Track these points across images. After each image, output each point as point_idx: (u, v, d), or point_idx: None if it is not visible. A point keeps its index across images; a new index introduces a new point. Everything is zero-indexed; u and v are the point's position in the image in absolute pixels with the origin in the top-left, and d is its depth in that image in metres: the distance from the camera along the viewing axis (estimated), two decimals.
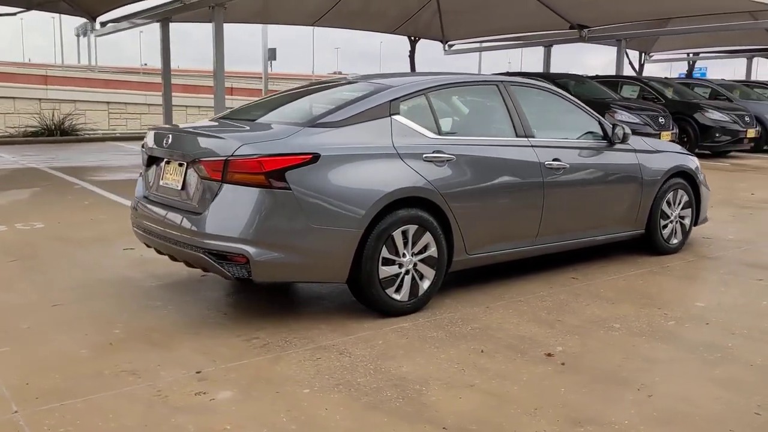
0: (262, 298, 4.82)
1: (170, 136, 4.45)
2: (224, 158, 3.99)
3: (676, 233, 6.14)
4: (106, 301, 4.71)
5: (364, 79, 5.17)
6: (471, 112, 5.18)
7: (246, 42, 74.96)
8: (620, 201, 5.65)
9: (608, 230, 5.63)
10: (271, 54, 37.64)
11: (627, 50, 28.58)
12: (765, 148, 16.69)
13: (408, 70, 24.55)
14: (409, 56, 24.88)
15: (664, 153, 6.06)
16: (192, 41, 78.19)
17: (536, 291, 4.97)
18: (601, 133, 5.62)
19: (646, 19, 19.22)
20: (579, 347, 3.93)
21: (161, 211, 4.43)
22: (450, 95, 4.92)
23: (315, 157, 4.03)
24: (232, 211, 3.96)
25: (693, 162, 6.28)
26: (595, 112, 5.74)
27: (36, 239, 6.57)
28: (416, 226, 4.36)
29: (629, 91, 16.37)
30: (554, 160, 5.10)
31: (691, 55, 32.05)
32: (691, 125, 15.02)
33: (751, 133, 15.57)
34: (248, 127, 4.57)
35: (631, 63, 29.98)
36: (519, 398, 3.26)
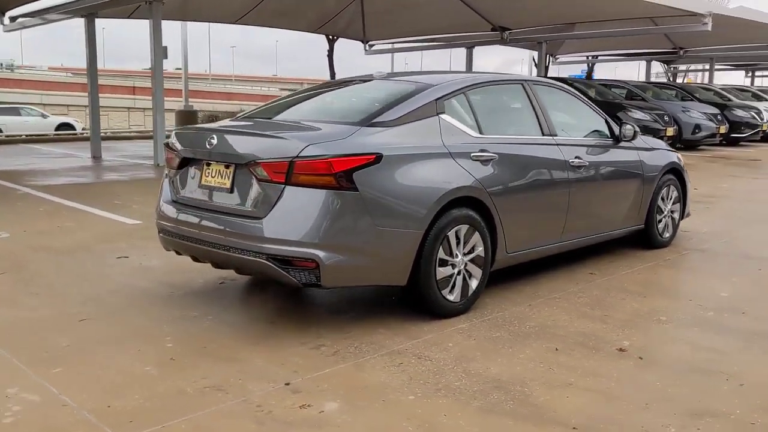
0: (295, 304, 4.65)
1: (215, 137, 4.21)
2: (289, 159, 3.82)
3: (668, 227, 6.40)
4: (132, 313, 4.42)
5: (393, 76, 5.11)
6: (503, 110, 5.19)
7: (133, 39, 72.02)
8: (628, 197, 5.82)
9: (619, 226, 5.80)
10: (164, 52, 36.53)
11: (530, 51, 29.64)
12: (678, 146, 17.65)
13: (327, 69, 24.49)
14: (328, 56, 24.74)
15: (657, 150, 6.30)
16: (71, 39, 74.16)
17: (565, 288, 5.04)
18: (607, 131, 5.77)
19: (563, 22, 19.91)
20: (643, 341, 4.01)
21: (202, 216, 4.19)
22: (485, 94, 4.91)
23: (378, 158, 3.93)
24: (299, 215, 3.80)
25: (680, 159, 6.56)
26: (601, 110, 5.89)
27: (12, 249, 6.07)
28: (467, 226, 4.33)
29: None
30: (576, 158, 5.20)
31: (590, 57, 33.45)
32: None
33: (670, 131, 16.45)
34: (302, 127, 4.39)
35: (536, 64, 31.12)
36: (623, 394, 3.30)
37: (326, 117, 4.63)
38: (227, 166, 4.14)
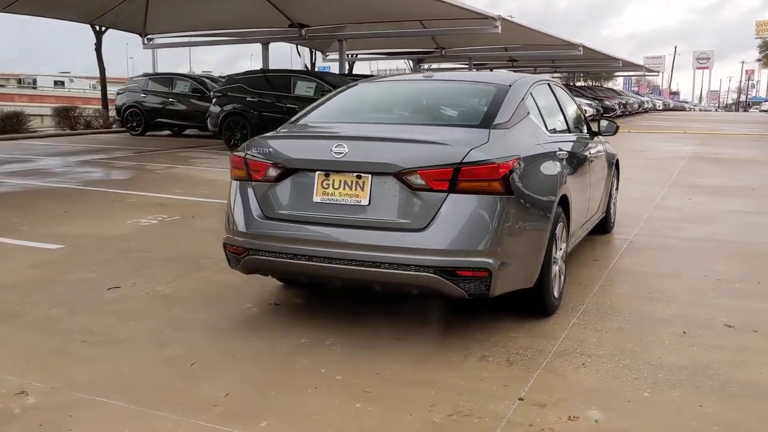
0: (385, 316, 4.38)
1: (344, 145, 3.82)
2: (454, 166, 3.63)
3: (614, 214, 7.05)
4: (253, 349, 3.87)
5: (432, 74, 5.07)
6: (550, 109, 5.33)
7: None
8: (605, 188, 6.33)
9: (599, 215, 6.27)
10: None
11: (300, 48, 29.98)
12: None
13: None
14: (96, 49, 22.80)
15: (608, 144, 6.91)
16: None
17: (594, 276, 5.37)
18: (585, 126, 6.21)
19: (359, 21, 20.47)
20: (744, 315, 4.43)
21: (328, 232, 3.81)
22: (537, 94, 5.01)
23: (519, 160, 3.90)
24: (467, 223, 3.63)
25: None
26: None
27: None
28: (562, 223, 4.46)
29: (305, 88, 15.26)
30: (588, 152, 5.55)
31: (350, 56, 34.62)
32: None
33: None
34: (429, 131, 4.12)
35: (303, 59, 31.54)
36: None
37: (433, 119, 4.45)
38: (359, 177, 3.79)
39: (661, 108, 53.27)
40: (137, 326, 4.20)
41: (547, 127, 4.74)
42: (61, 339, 3.99)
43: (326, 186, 3.86)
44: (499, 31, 17.94)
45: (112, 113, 22.96)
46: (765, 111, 63.86)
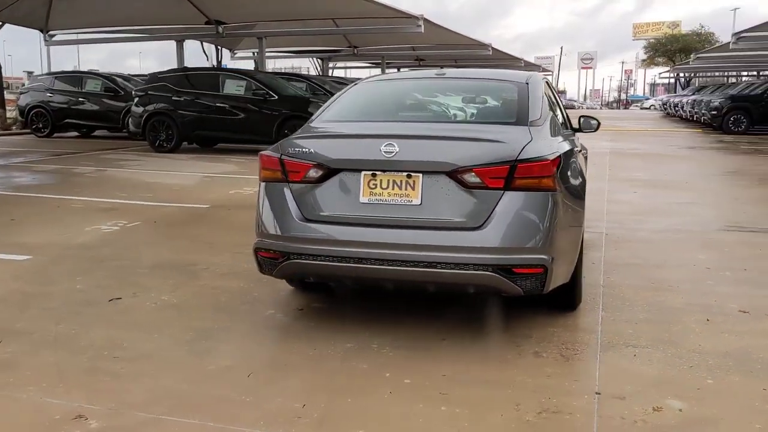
0: (417, 316, 4.34)
1: (395, 143, 3.73)
2: (510, 163, 3.63)
3: None
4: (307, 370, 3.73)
5: (444, 71, 5.05)
6: (553, 106, 5.38)
7: None
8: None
9: None
10: None
11: (208, 45, 29.28)
12: None
13: None
14: None
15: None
16: None
17: (591, 269, 5.51)
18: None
19: (278, 19, 20.14)
20: (751, 301, 4.65)
21: (377, 234, 3.72)
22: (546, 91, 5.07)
23: (561, 156, 3.94)
24: (524, 220, 3.64)
25: None
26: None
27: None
28: None
29: (234, 86, 14.62)
30: (581, 148, 5.69)
31: (257, 54, 33.98)
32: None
33: None
34: (476, 128, 4.09)
35: (207, 57, 30.76)
36: None
37: (470, 117, 4.43)
38: (410, 176, 3.73)
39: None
40: (164, 338, 3.96)
41: (561, 124, 4.83)
42: (87, 356, 3.71)
43: (373, 186, 3.77)
44: (422, 30, 18.11)
45: (11, 114, 21.62)
46: (646, 108, 67.33)
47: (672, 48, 54.81)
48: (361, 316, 4.33)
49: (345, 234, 3.77)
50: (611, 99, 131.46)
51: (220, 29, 19.67)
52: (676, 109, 30.40)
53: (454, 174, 3.65)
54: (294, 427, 2.94)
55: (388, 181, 3.75)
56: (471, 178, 3.63)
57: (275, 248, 3.92)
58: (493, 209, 3.62)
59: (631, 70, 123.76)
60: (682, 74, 46.56)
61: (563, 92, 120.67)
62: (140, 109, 14.97)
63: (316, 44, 29.58)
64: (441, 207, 3.68)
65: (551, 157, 3.73)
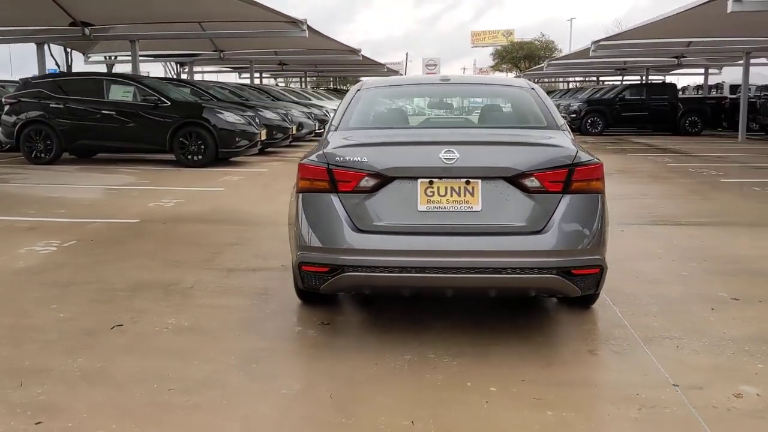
0: (440, 322, 4.33)
1: (454, 150, 3.69)
2: (568, 167, 3.71)
3: None
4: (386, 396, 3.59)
5: (449, 77, 5.05)
6: None
7: None
8: None
9: None
10: None
11: (57, 48, 27.47)
12: (268, 150, 16.43)
13: None
14: None
15: None
16: None
17: None
18: None
19: (148, 21, 19.18)
20: (734, 288, 5.02)
21: (442, 240, 3.68)
22: None
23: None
24: (581, 222, 3.74)
25: None
26: None
27: None
28: None
29: (121, 92, 13.67)
30: None
31: (110, 57, 32.28)
32: (206, 129, 12.98)
33: (263, 135, 14.63)
34: (523, 133, 4.17)
35: (56, 61, 28.86)
36: None
37: (505, 122, 4.44)
38: (468, 182, 3.71)
39: None
40: (209, 365, 3.69)
41: None
42: (138, 390, 3.38)
43: (431, 194, 3.72)
44: (306, 35, 17.96)
45: None
46: None
47: (517, 55, 58.03)
48: (395, 328, 4.26)
49: (404, 244, 3.70)
50: None
51: (87, 31, 18.43)
52: None
53: (515, 179, 3.69)
54: None
55: (446, 188, 3.71)
56: (531, 182, 3.68)
57: (326, 262, 3.76)
58: (553, 213, 3.69)
59: None
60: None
61: None
62: (12, 118, 13.73)
63: (180, 48, 28.48)
64: (501, 212, 3.70)
65: (598, 160, 3.85)
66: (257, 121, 14.31)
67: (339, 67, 39.49)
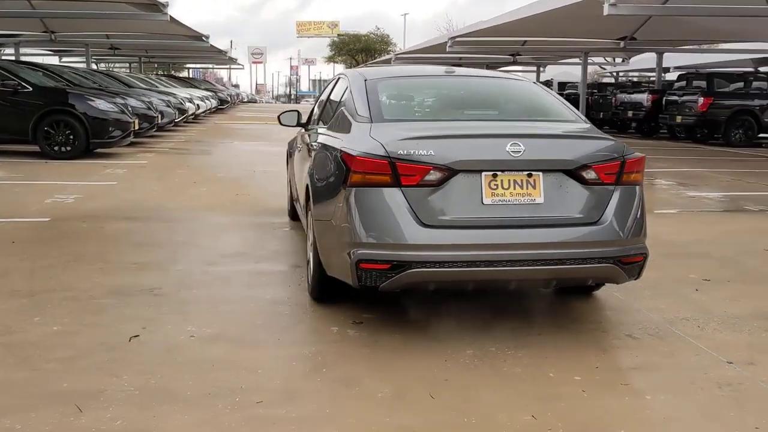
0: (470, 310, 4.36)
1: (520, 143, 3.67)
2: (620, 159, 3.85)
3: None
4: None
5: (454, 69, 5.06)
6: None
7: None
8: None
9: None
10: None
11: None
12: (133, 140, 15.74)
13: None
14: None
15: None
16: None
17: None
18: None
19: None
20: (696, 270, 5.46)
21: (508, 233, 3.69)
22: None
23: None
24: (630, 212, 3.89)
25: None
26: None
27: None
28: None
29: None
30: None
31: None
32: (75, 118, 11.93)
33: (136, 124, 13.76)
34: (560, 126, 4.24)
35: None
36: None
37: (540, 115, 4.47)
38: (530, 175, 3.74)
39: (246, 100, 55.76)
40: (278, 373, 3.45)
41: None
42: (224, 406, 3.07)
43: (494, 187, 3.70)
44: (168, 18, 17.03)
45: None
46: None
47: (355, 47, 58.67)
48: (428, 324, 4.20)
49: (471, 238, 3.66)
50: (280, 93, 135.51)
51: None
52: None
53: (575, 171, 3.76)
54: None
55: (510, 181, 3.72)
56: (589, 174, 3.78)
57: (391, 258, 3.63)
58: (607, 204, 3.81)
59: (298, 66, 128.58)
60: None
61: (236, 86, 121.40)
62: None
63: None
64: (563, 204, 3.77)
65: (640, 153, 4.02)
66: (129, 109, 13.37)
67: (176, 54, 37.78)
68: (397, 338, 3.94)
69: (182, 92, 22.79)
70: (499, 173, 3.71)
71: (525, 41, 23.49)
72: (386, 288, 3.72)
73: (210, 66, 72.59)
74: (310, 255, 4.50)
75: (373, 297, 4.42)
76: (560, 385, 3.36)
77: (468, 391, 3.28)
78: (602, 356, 3.74)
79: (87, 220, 6.99)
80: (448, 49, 21.25)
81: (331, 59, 63.06)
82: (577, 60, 28.08)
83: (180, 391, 3.21)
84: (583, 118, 4.43)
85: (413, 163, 3.64)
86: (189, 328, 4.02)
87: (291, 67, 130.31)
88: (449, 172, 3.66)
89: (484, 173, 3.70)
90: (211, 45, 28.06)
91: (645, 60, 28.61)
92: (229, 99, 35.71)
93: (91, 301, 4.46)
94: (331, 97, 5.37)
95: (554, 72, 38.41)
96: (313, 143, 4.82)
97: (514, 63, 30.94)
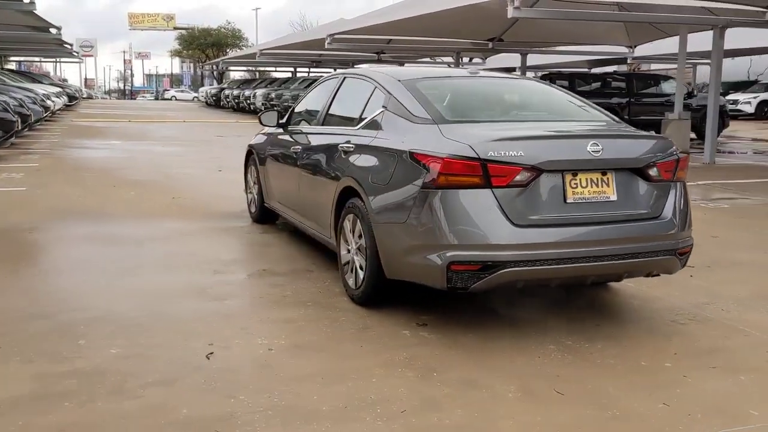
0: (517, 307, 4.51)
1: (599, 143, 3.82)
2: (675, 157, 4.12)
3: None
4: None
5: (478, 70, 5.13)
6: None
7: None
8: None
9: None
10: None
11: None
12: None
13: None
14: None
15: None
16: None
17: None
18: None
19: None
20: None
21: (587, 230, 3.84)
22: None
23: None
24: (680, 206, 4.13)
25: None
26: None
27: None
28: None
29: None
30: None
31: None
32: None
33: (19, 124, 13.13)
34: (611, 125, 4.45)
35: None
36: None
37: (570, 116, 4.60)
38: (604, 173, 3.91)
39: (85, 96, 52.53)
40: (389, 380, 3.37)
41: None
42: (368, 418, 2.98)
43: (574, 186, 3.84)
44: (35, 8, 15.70)
45: None
46: (170, 99, 67.82)
47: (205, 41, 56.74)
48: (490, 320, 4.29)
49: (558, 235, 3.77)
50: (112, 89, 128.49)
51: None
52: (248, 101, 31.81)
53: (643, 169, 3.98)
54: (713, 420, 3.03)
55: (587, 179, 3.86)
56: (653, 172, 4.01)
57: (485, 259, 3.66)
58: (666, 199, 4.07)
59: (131, 60, 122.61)
60: (210, 68, 48.68)
61: (65, 80, 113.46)
62: None
63: None
64: (632, 201, 3.97)
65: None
66: (12, 106, 12.26)
67: (9, 45, 34.65)
68: (472, 337, 3.97)
69: (39, 88, 21.13)
70: (579, 172, 3.85)
71: (390, 39, 23.77)
72: (477, 288, 3.75)
73: (37, 59, 67.39)
74: (355, 259, 4.41)
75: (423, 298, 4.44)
76: (659, 373, 3.55)
77: (585, 384, 3.38)
78: (671, 342, 3.96)
79: (34, 232, 6.39)
80: (327, 46, 21.17)
81: (178, 53, 60.70)
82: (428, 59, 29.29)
83: (313, 406, 3.07)
84: (615, 117, 4.67)
85: (504, 165, 3.69)
86: (258, 341, 3.83)
87: (125, 61, 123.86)
88: (537, 172, 3.75)
89: (566, 172, 3.82)
90: (58, 37, 25.99)
91: (500, 60, 30.16)
92: (77, 95, 33.43)
93: (119, 322, 4.11)
94: (341, 98, 5.28)
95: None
96: (344, 144, 4.69)
97: (379, 61, 31.34)
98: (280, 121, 6.08)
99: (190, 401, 3.10)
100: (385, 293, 4.27)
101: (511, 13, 12.09)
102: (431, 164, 3.77)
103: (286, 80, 33.62)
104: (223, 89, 38.94)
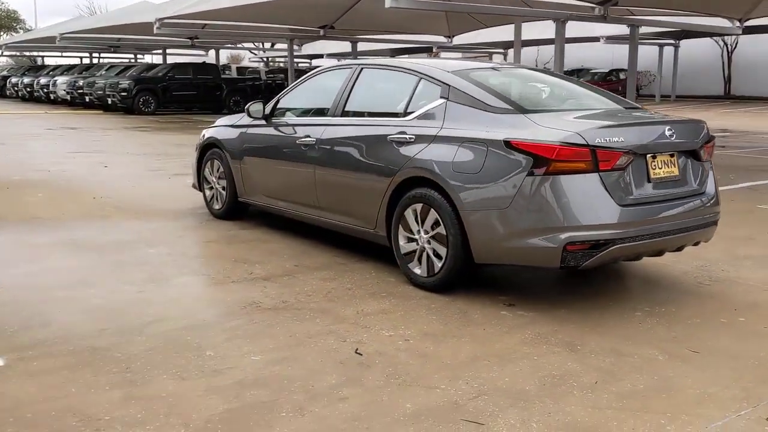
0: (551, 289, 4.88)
1: (672, 128, 4.29)
2: (713, 139, 4.70)
3: None
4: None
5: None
6: None
7: None
8: None
9: None
10: None
11: None
12: None
13: None
14: None
15: None
16: None
17: None
18: None
19: None
20: None
21: (665, 207, 4.28)
22: None
23: None
24: (713, 183, 4.72)
25: None
26: None
27: None
28: None
29: None
30: None
31: None
32: None
33: None
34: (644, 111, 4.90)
35: None
36: None
37: (611, 102, 4.94)
38: (672, 155, 4.36)
39: None
40: (534, 364, 3.53)
41: None
42: (607, 400, 3.17)
43: (654, 167, 4.25)
44: None
45: None
46: None
47: None
48: (562, 296, 4.61)
49: (651, 213, 4.18)
50: None
51: None
52: (45, 90, 29.07)
53: (696, 150, 4.50)
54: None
55: (661, 161, 4.30)
56: (701, 152, 4.55)
57: (598, 238, 3.96)
58: (707, 176, 4.62)
59: None
60: None
61: None
62: None
63: None
64: (689, 178, 4.48)
65: None
66: None
67: None
68: (567, 312, 4.20)
69: None
70: (657, 155, 4.27)
71: (214, 24, 23.00)
72: (588, 266, 4.03)
73: None
74: (427, 248, 4.48)
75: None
76: (741, 326, 4.05)
77: (704, 341, 3.79)
78: (719, 305, 4.46)
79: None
80: (155, 31, 20.04)
81: None
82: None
83: (519, 387, 3.18)
84: (633, 102, 5.18)
85: (610, 150, 4.01)
86: (386, 334, 3.82)
87: None
88: (633, 156, 4.11)
89: (648, 155, 4.22)
90: None
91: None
92: None
93: (237, 328, 3.88)
94: (364, 89, 5.26)
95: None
96: (396, 135, 4.68)
97: (192, 47, 30.17)
98: (265, 113, 5.89)
99: (396, 396, 3.06)
100: (458, 278, 4.40)
101: (388, 3, 12.38)
102: (540, 152, 3.97)
103: (88, 66, 31.22)
104: (7, 77, 35.26)
